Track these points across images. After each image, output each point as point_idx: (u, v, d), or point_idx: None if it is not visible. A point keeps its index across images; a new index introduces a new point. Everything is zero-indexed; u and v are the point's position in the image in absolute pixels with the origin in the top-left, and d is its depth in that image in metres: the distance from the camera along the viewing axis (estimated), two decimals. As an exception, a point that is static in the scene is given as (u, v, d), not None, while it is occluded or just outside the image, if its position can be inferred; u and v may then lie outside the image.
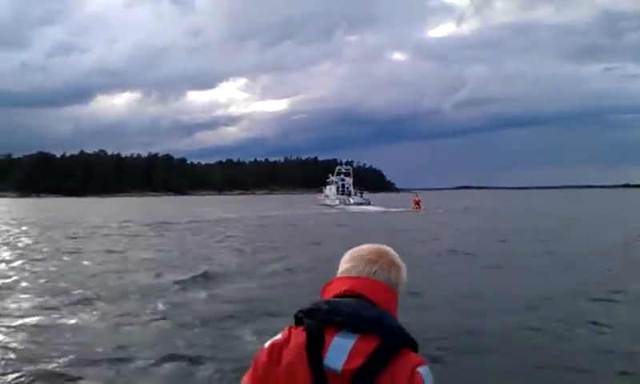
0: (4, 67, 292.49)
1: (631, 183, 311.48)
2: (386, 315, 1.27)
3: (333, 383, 1.19)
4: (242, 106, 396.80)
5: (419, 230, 23.26)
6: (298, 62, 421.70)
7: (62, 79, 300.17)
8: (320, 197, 64.73)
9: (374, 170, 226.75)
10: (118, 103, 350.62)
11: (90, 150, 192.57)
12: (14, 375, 5.07)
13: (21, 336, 6.44)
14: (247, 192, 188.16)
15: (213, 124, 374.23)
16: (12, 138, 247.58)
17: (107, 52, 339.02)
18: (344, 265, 1.40)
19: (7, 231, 24.21)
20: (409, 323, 1.36)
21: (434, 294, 8.63)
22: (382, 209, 46.29)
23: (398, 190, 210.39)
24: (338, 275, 1.39)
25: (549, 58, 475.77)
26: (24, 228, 26.37)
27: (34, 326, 6.89)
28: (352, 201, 55.91)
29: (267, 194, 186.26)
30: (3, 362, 5.43)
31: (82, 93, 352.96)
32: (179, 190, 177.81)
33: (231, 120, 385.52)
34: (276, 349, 1.28)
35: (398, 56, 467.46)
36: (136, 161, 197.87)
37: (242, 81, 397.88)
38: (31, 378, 5.02)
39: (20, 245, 17.98)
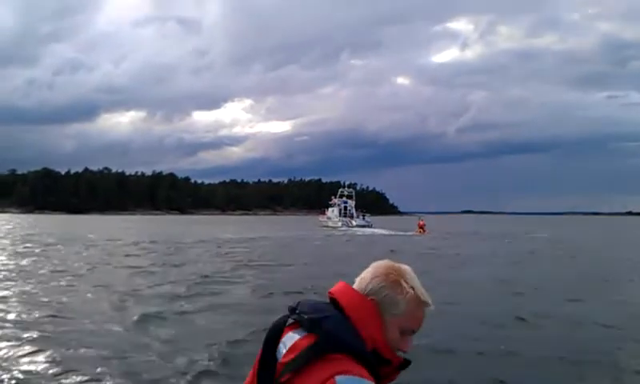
0: (11, 84, 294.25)
1: (634, 211, 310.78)
2: (335, 319, 1.27)
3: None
4: (246, 126, 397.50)
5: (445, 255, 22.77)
6: (303, 84, 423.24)
7: (68, 96, 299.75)
8: (322, 218, 64.03)
9: (377, 192, 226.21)
10: (123, 121, 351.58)
11: (94, 168, 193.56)
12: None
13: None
14: (250, 212, 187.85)
15: (217, 144, 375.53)
16: (17, 154, 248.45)
17: (114, 70, 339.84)
18: None
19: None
20: None
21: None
22: (386, 232, 45.84)
23: (401, 213, 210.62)
24: None
25: (552, 85, 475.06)
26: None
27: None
28: (354, 223, 56.29)
29: (270, 214, 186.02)
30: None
31: (87, 110, 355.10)
32: (182, 209, 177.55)
33: (235, 140, 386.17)
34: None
35: (401, 80, 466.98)
36: (140, 179, 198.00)
37: (247, 102, 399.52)
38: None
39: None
